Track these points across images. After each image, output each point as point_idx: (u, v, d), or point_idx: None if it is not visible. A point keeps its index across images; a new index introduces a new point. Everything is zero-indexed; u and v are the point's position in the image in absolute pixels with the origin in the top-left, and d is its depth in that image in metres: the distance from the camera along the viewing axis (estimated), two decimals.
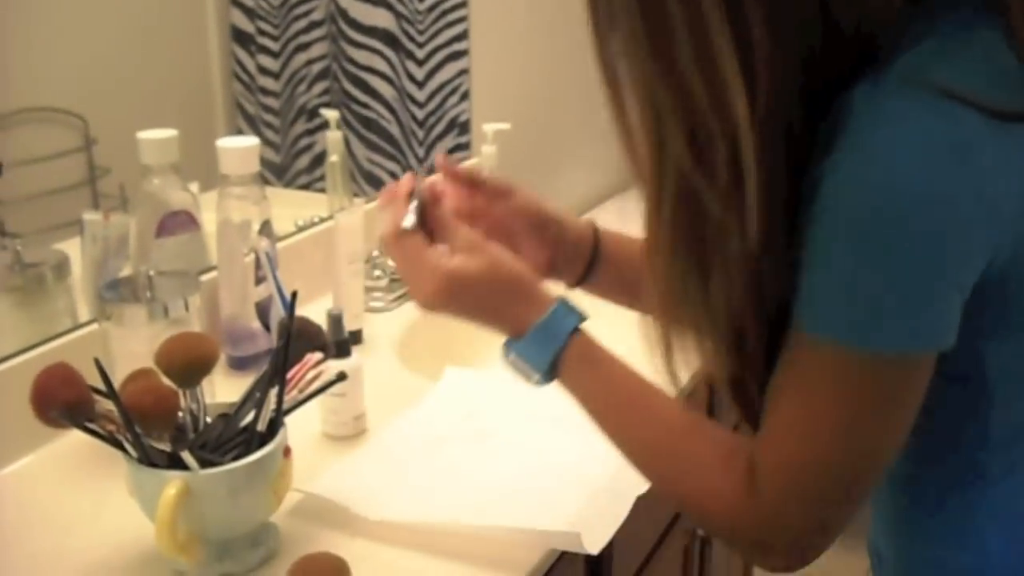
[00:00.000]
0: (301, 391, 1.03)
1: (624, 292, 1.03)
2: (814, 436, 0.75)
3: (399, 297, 1.62)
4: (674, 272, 0.77)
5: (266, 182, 1.66)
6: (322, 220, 1.68)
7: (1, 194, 1.25)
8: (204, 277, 1.40)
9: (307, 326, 1.04)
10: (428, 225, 0.90)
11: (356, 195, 1.79)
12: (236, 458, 0.96)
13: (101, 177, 1.37)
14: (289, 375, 1.03)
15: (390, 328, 1.55)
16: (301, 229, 1.65)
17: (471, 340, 1.64)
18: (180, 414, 0.96)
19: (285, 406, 1.00)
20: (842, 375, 0.72)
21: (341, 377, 1.05)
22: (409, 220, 0.89)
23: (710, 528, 0.86)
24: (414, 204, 0.90)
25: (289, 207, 1.70)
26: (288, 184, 1.74)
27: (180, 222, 1.38)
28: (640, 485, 1.10)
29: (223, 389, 1.18)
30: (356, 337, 1.47)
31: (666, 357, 0.83)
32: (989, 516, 0.81)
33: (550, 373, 0.89)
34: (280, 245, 1.56)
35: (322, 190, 1.72)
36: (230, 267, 1.38)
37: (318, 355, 1.04)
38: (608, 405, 0.89)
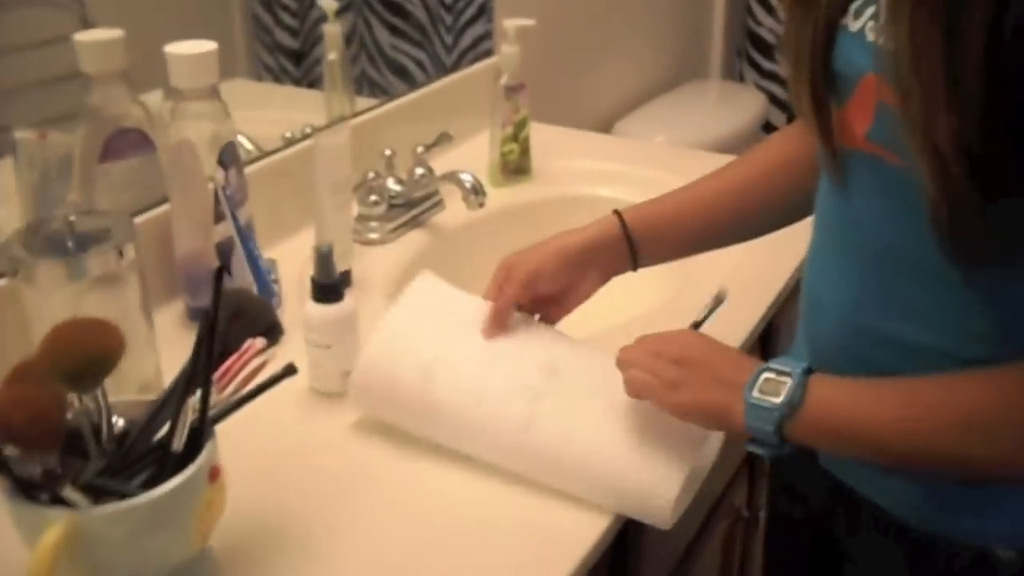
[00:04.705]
0: (239, 388, 0.80)
1: (680, 253, 1.07)
2: None
3: (399, 227, 1.38)
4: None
5: (283, 70, 1.48)
6: (314, 131, 1.43)
7: None
8: (158, 210, 1.17)
9: (248, 303, 0.82)
10: None
11: (359, 95, 1.54)
12: (149, 481, 0.74)
13: None
14: (225, 366, 0.81)
15: (385, 265, 1.31)
16: (289, 143, 1.40)
17: (477, 278, 1.40)
18: (82, 418, 0.75)
19: (215, 411, 0.78)
20: None
21: (290, 371, 0.81)
22: None
23: None
24: None
25: (289, 110, 1.49)
26: (307, 72, 1.50)
27: (130, 143, 1.15)
28: (714, 448, 0.94)
29: (178, 347, 0.90)
30: (345, 278, 1.24)
31: None
32: None
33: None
34: (262, 164, 1.33)
35: None
36: (185, 198, 1.14)
37: (260, 341, 0.81)
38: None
